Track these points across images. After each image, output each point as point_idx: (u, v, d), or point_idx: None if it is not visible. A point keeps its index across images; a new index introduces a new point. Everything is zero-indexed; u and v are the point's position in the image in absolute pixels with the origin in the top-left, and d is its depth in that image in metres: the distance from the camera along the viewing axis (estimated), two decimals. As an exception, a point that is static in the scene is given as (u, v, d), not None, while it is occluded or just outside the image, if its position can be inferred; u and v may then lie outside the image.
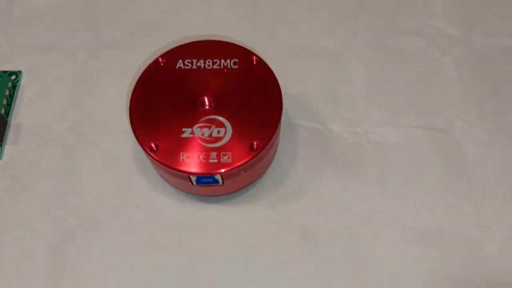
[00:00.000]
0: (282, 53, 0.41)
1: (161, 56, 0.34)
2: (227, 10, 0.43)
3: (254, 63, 0.34)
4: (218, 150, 0.31)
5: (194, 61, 0.34)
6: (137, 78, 0.34)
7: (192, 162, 0.31)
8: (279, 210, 0.35)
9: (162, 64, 0.34)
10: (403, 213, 0.35)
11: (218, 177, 0.31)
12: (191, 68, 0.34)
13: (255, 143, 0.31)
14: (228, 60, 0.34)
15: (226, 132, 0.31)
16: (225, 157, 0.31)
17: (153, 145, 0.31)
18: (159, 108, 0.32)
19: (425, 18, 0.43)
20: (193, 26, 0.43)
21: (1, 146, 0.38)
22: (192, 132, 0.31)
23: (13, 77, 0.40)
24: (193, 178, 0.31)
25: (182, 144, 0.31)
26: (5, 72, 0.40)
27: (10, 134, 0.38)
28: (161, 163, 0.31)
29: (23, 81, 0.41)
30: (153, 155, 0.31)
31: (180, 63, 0.34)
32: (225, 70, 0.33)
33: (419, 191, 0.35)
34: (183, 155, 0.31)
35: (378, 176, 0.36)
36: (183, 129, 0.31)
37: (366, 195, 0.35)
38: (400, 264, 0.33)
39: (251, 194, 0.36)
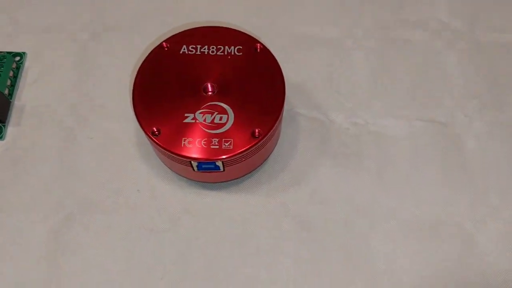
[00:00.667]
0: (285, 41, 0.41)
1: (165, 40, 0.34)
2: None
3: (258, 50, 0.34)
4: (220, 136, 0.31)
5: (198, 46, 0.34)
6: (140, 61, 0.34)
7: (193, 148, 0.31)
8: (277, 198, 0.35)
9: (166, 49, 0.34)
10: (400, 205, 0.35)
11: (219, 163, 0.31)
12: (195, 53, 0.34)
13: (256, 130, 0.31)
14: (232, 47, 0.34)
15: (228, 119, 0.31)
16: (227, 144, 0.31)
17: (155, 129, 0.31)
18: (162, 92, 0.32)
19: (429, 11, 0.43)
20: (197, 10, 0.43)
21: (4, 127, 0.38)
22: (194, 118, 0.31)
23: (18, 58, 0.40)
24: (194, 164, 0.31)
25: (184, 129, 0.31)
26: (9, 53, 0.40)
27: (13, 115, 0.38)
28: (162, 147, 0.31)
29: (27, 62, 0.40)
30: (155, 139, 0.31)
31: (184, 48, 0.34)
32: (229, 57, 0.33)
33: (418, 183, 0.36)
34: (184, 140, 0.31)
35: (377, 168, 0.36)
36: (186, 114, 0.32)
37: (364, 187, 0.36)
38: (396, 256, 0.34)
39: (251, 181, 0.36)
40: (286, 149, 0.37)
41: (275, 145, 0.36)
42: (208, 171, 0.32)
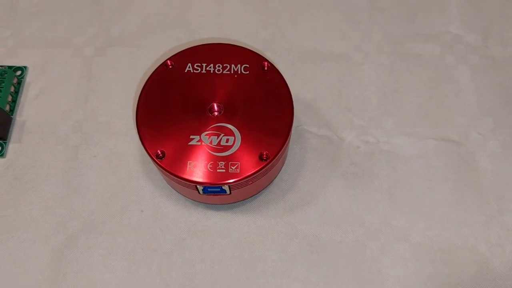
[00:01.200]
0: (294, 56, 0.40)
1: (170, 58, 0.33)
2: (238, 9, 0.42)
3: (266, 68, 0.33)
4: (226, 159, 0.30)
5: (204, 65, 0.33)
6: (146, 77, 0.33)
7: (199, 171, 0.30)
8: (285, 219, 0.34)
9: (170, 67, 0.33)
10: (413, 227, 0.34)
11: (225, 187, 0.30)
12: (200, 72, 0.33)
13: (264, 153, 0.30)
14: (239, 65, 0.33)
15: (235, 141, 0.30)
16: (233, 167, 0.30)
17: (159, 151, 0.30)
18: (167, 113, 0.31)
19: (441, 23, 0.42)
20: (203, 24, 0.42)
21: (5, 144, 0.37)
22: (200, 140, 0.31)
23: (19, 72, 0.39)
24: (200, 187, 0.31)
25: (189, 152, 0.30)
26: (11, 67, 0.39)
27: (14, 131, 0.38)
28: (167, 170, 0.30)
29: (29, 77, 0.40)
30: (159, 162, 0.30)
31: (189, 67, 0.33)
32: (235, 76, 0.32)
33: (431, 204, 0.35)
34: (190, 164, 0.30)
35: (389, 188, 0.35)
36: (191, 136, 0.31)
37: (375, 207, 0.35)
38: (408, 281, 0.32)
39: (258, 202, 0.35)
40: (294, 168, 0.36)
41: (283, 165, 0.35)
42: (214, 194, 0.32)
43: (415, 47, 0.40)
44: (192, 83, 0.32)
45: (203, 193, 0.31)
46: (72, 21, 0.42)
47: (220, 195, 0.32)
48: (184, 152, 0.30)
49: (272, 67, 0.33)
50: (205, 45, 0.34)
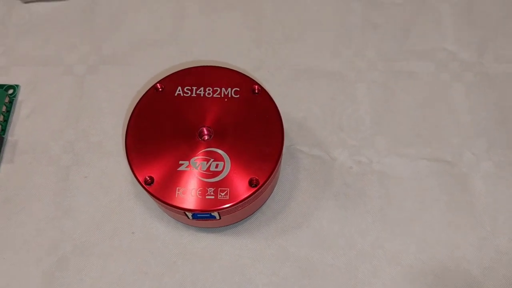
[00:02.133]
0: (287, 74, 0.40)
1: (160, 82, 0.33)
2: (231, 27, 0.42)
3: (256, 92, 0.32)
4: (216, 185, 0.30)
5: (194, 88, 0.33)
6: (137, 97, 0.33)
7: (188, 198, 0.30)
8: (277, 242, 0.34)
9: (160, 90, 0.33)
10: (405, 249, 0.34)
11: (215, 213, 0.30)
12: (190, 95, 0.32)
13: (254, 179, 0.30)
14: (229, 89, 0.32)
15: (225, 166, 0.30)
16: (223, 194, 0.30)
17: (147, 177, 0.30)
18: (156, 138, 0.31)
19: (436, 40, 0.41)
20: (195, 42, 0.41)
21: None
22: (189, 165, 0.30)
23: (11, 91, 0.39)
24: (189, 214, 0.30)
25: (178, 178, 0.30)
26: (2, 86, 0.39)
27: (6, 151, 0.37)
28: (155, 197, 0.30)
29: (20, 96, 0.39)
30: (147, 188, 0.30)
31: (179, 90, 0.33)
32: (226, 99, 0.32)
33: (423, 226, 0.34)
34: (178, 190, 0.30)
35: (381, 209, 0.35)
36: (180, 162, 0.30)
37: (368, 229, 0.34)
38: (400, 305, 0.32)
39: (249, 224, 0.35)
40: (286, 189, 0.36)
41: (274, 188, 0.35)
42: (204, 219, 0.31)
43: (409, 64, 0.40)
44: (182, 107, 0.32)
45: (192, 218, 0.31)
46: (64, 38, 0.42)
47: (210, 220, 0.31)
48: (173, 178, 0.30)
49: (263, 91, 0.32)
50: (195, 67, 0.34)
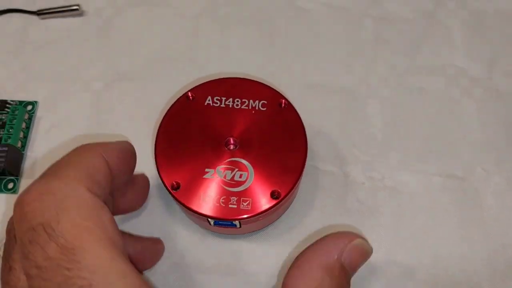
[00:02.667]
0: (298, 89, 0.40)
1: (191, 90, 0.34)
2: (244, 43, 0.42)
3: (283, 106, 0.33)
4: (239, 195, 0.30)
5: (223, 99, 0.33)
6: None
7: (211, 205, 0.30)
8: (291, 257, 0.34)
9: (191, 99, 0.33)
10: (418, 264, 0.34)
11: (236, 222, 0.31)
12: (219, 106, 0.33)
13: (276, 191, 0.30)
14: (257, 101, 0.33)
15: (248, 177, 0.31)
16: (245, 204, 0.30)
17: (174, 183, 0.31)
18: (184, 144, 0.32)
19: (446, 56, 0.42)
20: (209, 58, 0.42)
21: (17, 180, 0.37)
22: (215, 173, 0.31)
23: (29, 107, 0.39)
24: (211, 220, 0.31)
25: (203, 185, 0.31)
26: (21, 102, 0.39)
27: (26, 167, 0.37)
28: (180, 202, 0.30)
29: (39, 112, 0.40)
30: (174, 193, 0.30)
31: (209, 100, 0.33)
32: (253, 111, 0.33)
33: (435, 241, 0.35)
34: (203, 197, 0.30)
35: (393, 225, 0.35)
36: (206, 170, 0.31)
37: (380, 245, 0.35)
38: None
39: (263, 235, 0.35)
40: (300, 204, 0.36)
41: (292, 202, 0.35)
42: (224, 227, 0.32)
43: (420, 80, 0.41)
44: (211, 116, 0.33)
45: (213, 225, 0.32)
46: (81, 54, 0.42)
47: (230, 227, 0.32)
48: (198, 185, 0.31)
49: (289, 105, 0.33)
50: (226, 79, 0.34)
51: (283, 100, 0.33)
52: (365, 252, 0.27)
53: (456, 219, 0.36)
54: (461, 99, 0.40)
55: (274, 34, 0.43)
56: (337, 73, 0.41)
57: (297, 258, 0.26)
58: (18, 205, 0.22)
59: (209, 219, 0.31)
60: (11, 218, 0.23)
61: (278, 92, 0.34)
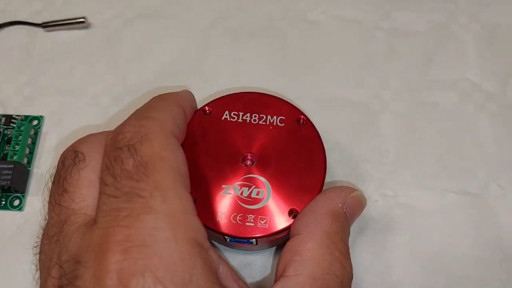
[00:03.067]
0: (310, 103, 0.39)
1: (208, 104, 0.33)
2: (255, 56, 0.42)
3: (301, 122, 0.32)
4: (256, 213, 0.30)
5: (241, 113, 0.33)
6: None
7: (228, 223, 0.30)
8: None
9: (208, 113, 0.33)
10: (434, 285, 0.34)
11: (253, 240, 0.30)
12: (236, 120, 0.32)
13: (294, 209, 0.30)
14: (275, 117, 0.33)
15: (266, 194, 0.30)
16: (262, 222, 0.30)
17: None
18: (202, 160, 0.31)
19: (459, 70, 0.41)
20: (219, 72, 0.41)
21: (23, 197, 0.36)
22: (231, 190, 0.30)
23: (35, 122, 0.39)
24: (228, 238, 0.30)
25: (220, 202, 0.30)
26: (27, 117, 0.39)
27: (32, 183, 0.37)
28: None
29: (45, 127, 0.39)
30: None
31: (226, 114, 0.33)
32: (271, 127, 0.32)
33: (451, 262, 0.34)
34: (220, 214, 0.30)
35: (408, 244, 0.35)
36: (223, 186, 0.30)
37: (396, 264, 0.34)
38: None
39: (278, 249, 0.34)
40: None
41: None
42: (241, 244, 0.31)
43: (433, 94, 0.40)
44: (228, 131, 0.32)
45: (230, 241, 0.31)
46: (88, 68, 0.41)
47: (246, 244, 0.31)
48: (215, 202, 0.30)
49: (307, 121, 0.33)
50: (244, 93, 0.34)
51: (302, 116, 0.32)
52: (362, 203, 0.31)
53: (472, 238, 0.35)
54: (475, 114, 0.39)
55: (285, 47, 0.42)
56: (349, 87, 0.41)
57: (305, 210, 0.29)
58: (114, 133, 0.27)
59: (225, 236, 0.30)
60: (64, 152, 0.29)
61: (297, 108, 0.33)
